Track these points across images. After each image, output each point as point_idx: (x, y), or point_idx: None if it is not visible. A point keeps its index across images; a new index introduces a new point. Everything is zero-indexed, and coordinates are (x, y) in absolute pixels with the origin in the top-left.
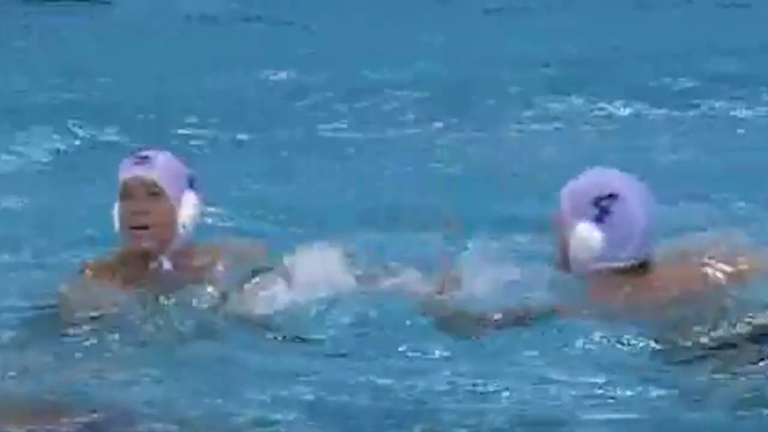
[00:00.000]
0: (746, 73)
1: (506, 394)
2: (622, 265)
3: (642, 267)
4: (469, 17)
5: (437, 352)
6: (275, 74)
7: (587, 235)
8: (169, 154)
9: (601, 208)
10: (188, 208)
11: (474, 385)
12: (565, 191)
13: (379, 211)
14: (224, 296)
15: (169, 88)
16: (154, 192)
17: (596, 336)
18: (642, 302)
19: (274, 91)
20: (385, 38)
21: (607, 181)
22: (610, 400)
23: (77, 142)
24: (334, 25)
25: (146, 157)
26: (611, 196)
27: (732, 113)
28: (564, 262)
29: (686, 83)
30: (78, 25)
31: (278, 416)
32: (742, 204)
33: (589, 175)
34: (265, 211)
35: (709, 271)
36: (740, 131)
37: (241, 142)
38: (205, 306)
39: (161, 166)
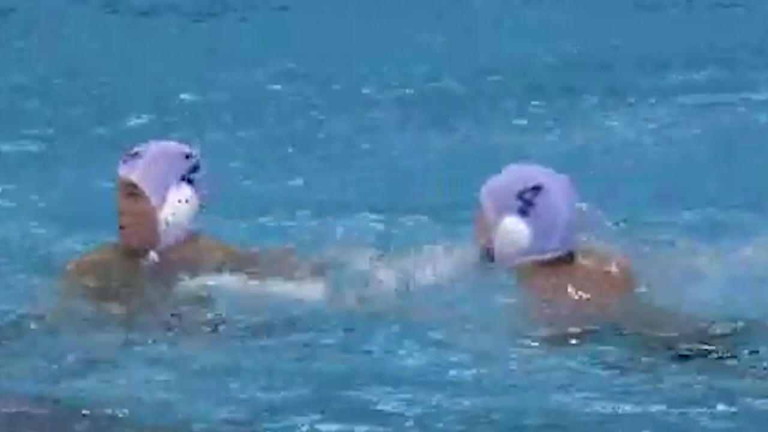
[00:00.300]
0: (745, 72)
1: (496, 391)
2: (547, 257)
3: (566, 259)
4: (468, 17)
5: (433, 350)
6: (274, 72)
7: (513, 228)
8: (163, 144)
9: (525, 201)
10: (172, 205)
11: (460, 378)
12: (487, 188)
13: (379, 209)
14: (212, 292)
15: (169, 86)
16: (132, 192)
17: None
18: (568, 292)
19: (273, 89)
20: (385, 37)
21: (530, 175)
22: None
23: (75, 139)
24: (333, 24)
25: (135, 154)
26: (535, 189)
27: (732, 112)
28: (488, 258)
29: (685, 82)
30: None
31: (269, 414)
32: (739, 203)
33: (510, 170)
34: (265, 210)
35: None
36: (740, 130)
37: (240, 139)
38: (192, 301)
39: (146, 164)
